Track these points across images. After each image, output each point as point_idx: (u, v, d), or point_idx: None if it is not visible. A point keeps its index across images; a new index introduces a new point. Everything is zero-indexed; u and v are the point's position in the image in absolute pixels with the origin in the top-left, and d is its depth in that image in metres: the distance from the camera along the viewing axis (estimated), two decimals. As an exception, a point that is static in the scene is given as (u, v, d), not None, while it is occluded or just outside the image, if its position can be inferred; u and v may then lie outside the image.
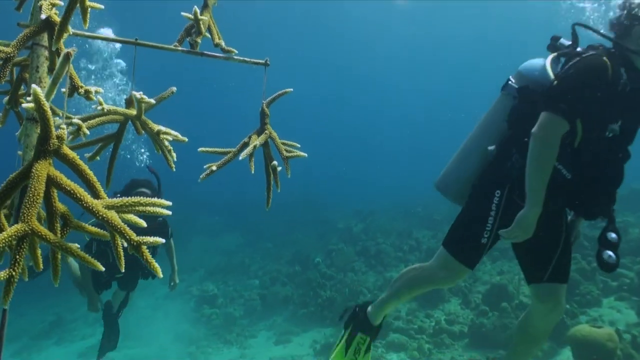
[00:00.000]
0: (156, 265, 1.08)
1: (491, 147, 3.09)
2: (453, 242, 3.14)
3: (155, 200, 1.13)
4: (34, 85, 1.03)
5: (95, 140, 1.77)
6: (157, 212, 1.15)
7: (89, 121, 1.55)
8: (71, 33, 1.64)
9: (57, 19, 1.34)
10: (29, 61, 1.59)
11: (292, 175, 1.93)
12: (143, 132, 1.71)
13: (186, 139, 1.88)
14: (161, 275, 1.10)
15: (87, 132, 1.48)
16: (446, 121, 43.57)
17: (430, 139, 41.86)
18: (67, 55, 1.16)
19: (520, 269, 3.43)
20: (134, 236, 1.06)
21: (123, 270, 1.14)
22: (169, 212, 1.17)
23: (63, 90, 1.53)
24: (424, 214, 15.68)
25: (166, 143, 1.63)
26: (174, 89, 1.85)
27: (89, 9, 1.36)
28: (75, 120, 1.47)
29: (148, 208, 1.14)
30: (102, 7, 1.46)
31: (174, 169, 1.84)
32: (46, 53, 1.56)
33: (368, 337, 3.41)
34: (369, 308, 3.45)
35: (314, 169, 33.32)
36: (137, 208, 1.13)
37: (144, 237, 1.06)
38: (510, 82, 3.13)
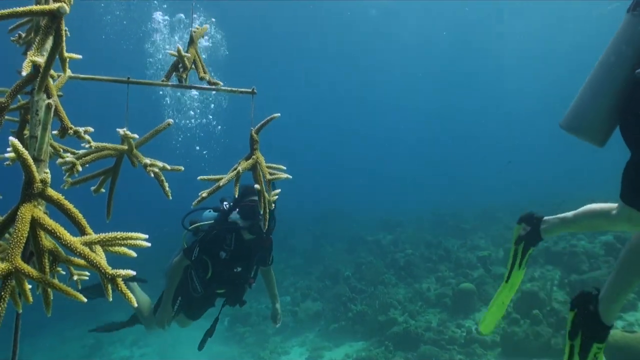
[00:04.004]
0: (131, 296, 1.15)
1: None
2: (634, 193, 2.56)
3: (132, 234, 1.21)
4: (11, 138, 1.13)
5: (96, 174, 1.87)
6: (137, 244, 1.23)
7: (83, 158, 1.65)
8: (69, 76, 1.77)
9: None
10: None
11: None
12: (137, 164, 1.80)
13: (182, 168, 1.97)
14: (135, 305, 1.17)
15: (80, 169, 1.58)
16: (471, 129, 43.29)
17: (458, 149, 41.55)
18: (49, 106, 1.26)
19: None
20: (108, 269, 1.14)
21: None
22: (148, 244, 1.24)
23: (54, 132, 1.64)
24: (452, 223, 15.56)
25: (152, 175, 1.72)
26: (170, 121, 1.95)
27: (68, 60, 1.47)
28: (69, 158, 1.57)
29: (127, 242, 1.22)
30: (80, 57, 1.56)
31: (170, 198, 1.93)
32: (44, 97, 1.68)
33: (604, 345, 2.66)
34: (600, 306, 2.67)
35: (343, 184, 33.42)
36: (116, 242, 1.21)
37: (117, 270, 1.14)
38: None
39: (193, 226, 4.88)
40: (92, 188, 1.87)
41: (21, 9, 1.26)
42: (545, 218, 3.32)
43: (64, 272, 1.65)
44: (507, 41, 34.16)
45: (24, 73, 1.30)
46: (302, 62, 36.16)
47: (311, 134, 43.82)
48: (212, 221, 4.83)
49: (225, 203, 4.84)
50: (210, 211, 5.00)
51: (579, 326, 2.72)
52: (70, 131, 1.52)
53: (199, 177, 2.02)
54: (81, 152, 1.77)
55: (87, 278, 1.70)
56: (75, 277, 1.69)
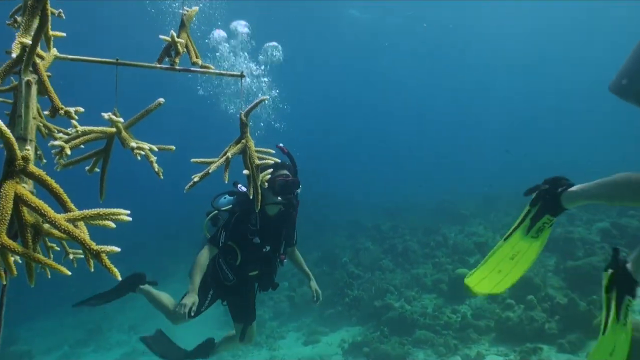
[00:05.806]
0: (116, 270, 1.17)
1: None
2: None
3: (114, 210, 1.23)
4: (-6, 115, 1.15)
5: (87, 156, 1.90)
6: (120, 219, 1.25)
7: (72, 141, 1.67)
8: (55, 56, 1.78)
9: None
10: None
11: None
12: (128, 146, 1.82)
13: (173, 148, 1.98)
14: (119, 278, 1.19)
15: (69, 152, 1.60)
16: (472, 118, 43.17)
17: (457, 136, 41.45)
18: (28, 84, 1.28)
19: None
20: (93, 245, 1.16)
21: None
22: (130, 219, 1.27)
23: (46, 112, 1.66)
24: (452, 209, 15.60)
25: (138, 157, 1.74)
26: (162, 100, 1.96)
27: (52, 38, 1.48)
28: (58, 142, 1.59)
29: (110, 217, 1.24)
30: (64, 34, 1.58)
31: (162, 178, 1.95)
32: (32, 76, 1.70)
33: (554, 219, 3.06)
34: (565, 193, 2.96)
35: (345, 169, 33.40)
36: (99, 218, 1.23)
37: (102, 246, 1.16)
38: None
39: (212, 214, 4.82)
40: (87, 168, 1.90)
41: (4, -12, 1.28)
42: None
43: (58, 249, 1.69)
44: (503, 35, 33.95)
45: (13, 55, 1.31)
46: (315, 48, 35.81)
47: (317, 120, 43.63)
48: (230, 205, 4.75)
49: (239, 185, 4.81)
50: (225, 197, 4.93)
51: (543, 209, 3.02)
52: (61, 111, 1.54)
53: (192, 160, 2.04)
54: (71, 134, 1.79)
55: (83, 256, 1.73)
56: (71, 256, 1.72)
